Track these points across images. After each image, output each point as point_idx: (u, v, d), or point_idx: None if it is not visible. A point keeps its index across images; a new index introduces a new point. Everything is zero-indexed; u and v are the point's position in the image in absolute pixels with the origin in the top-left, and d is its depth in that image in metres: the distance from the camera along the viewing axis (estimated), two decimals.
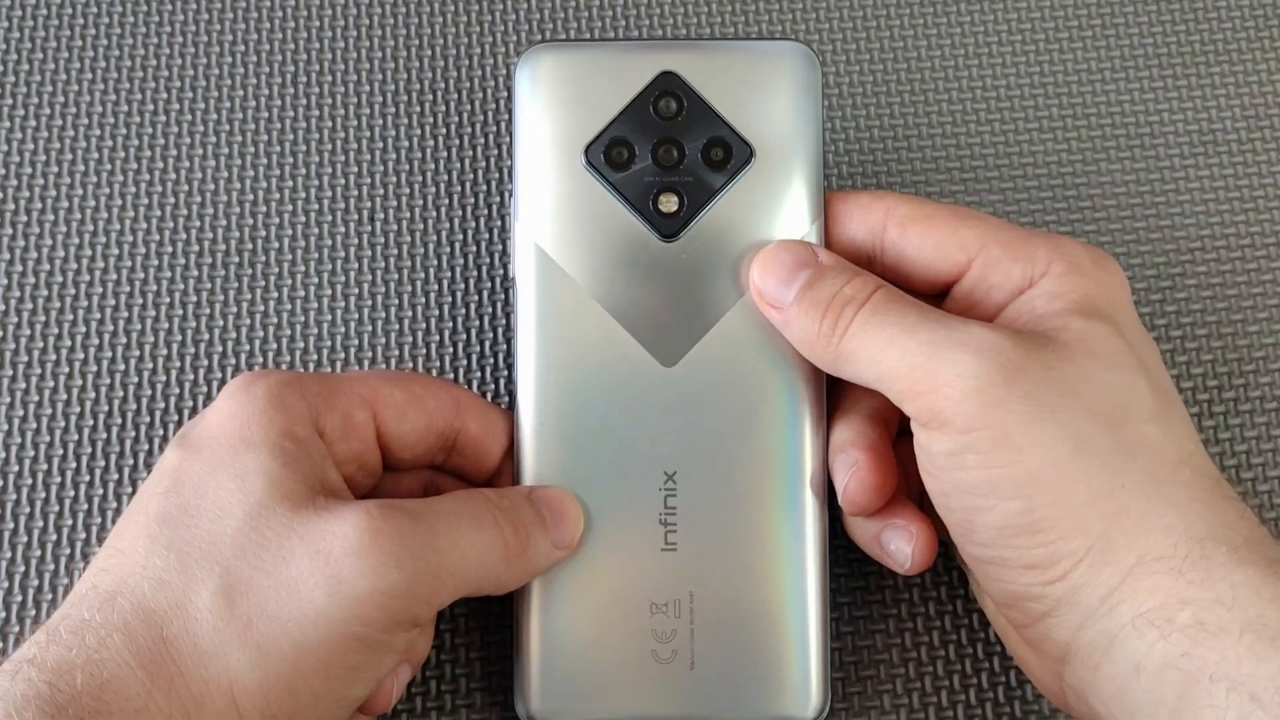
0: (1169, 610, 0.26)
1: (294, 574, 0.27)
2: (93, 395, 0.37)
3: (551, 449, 0.32)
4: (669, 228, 0.33)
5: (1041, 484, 0.27)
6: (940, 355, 0.28)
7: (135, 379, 0.38)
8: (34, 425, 0.37)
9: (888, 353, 0.29)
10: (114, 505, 0.36)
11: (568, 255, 0.33)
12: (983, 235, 0.31)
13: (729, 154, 0.33)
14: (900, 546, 0.31)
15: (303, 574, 0.27)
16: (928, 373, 0.28)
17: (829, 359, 0.31)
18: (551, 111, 0.33)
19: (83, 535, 0.36)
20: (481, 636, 0.35)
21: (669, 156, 0.33)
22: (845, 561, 0.35)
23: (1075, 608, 0.27)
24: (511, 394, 0.33)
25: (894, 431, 0.33)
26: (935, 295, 0.33)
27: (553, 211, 0.33)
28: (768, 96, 0.33)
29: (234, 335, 0.38)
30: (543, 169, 0.33)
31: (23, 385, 0.37)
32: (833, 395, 0.33)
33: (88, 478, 0.36)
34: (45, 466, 0.37)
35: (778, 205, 0.33)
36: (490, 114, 0.41)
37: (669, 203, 0.33)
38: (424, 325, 0.38)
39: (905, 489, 0.32)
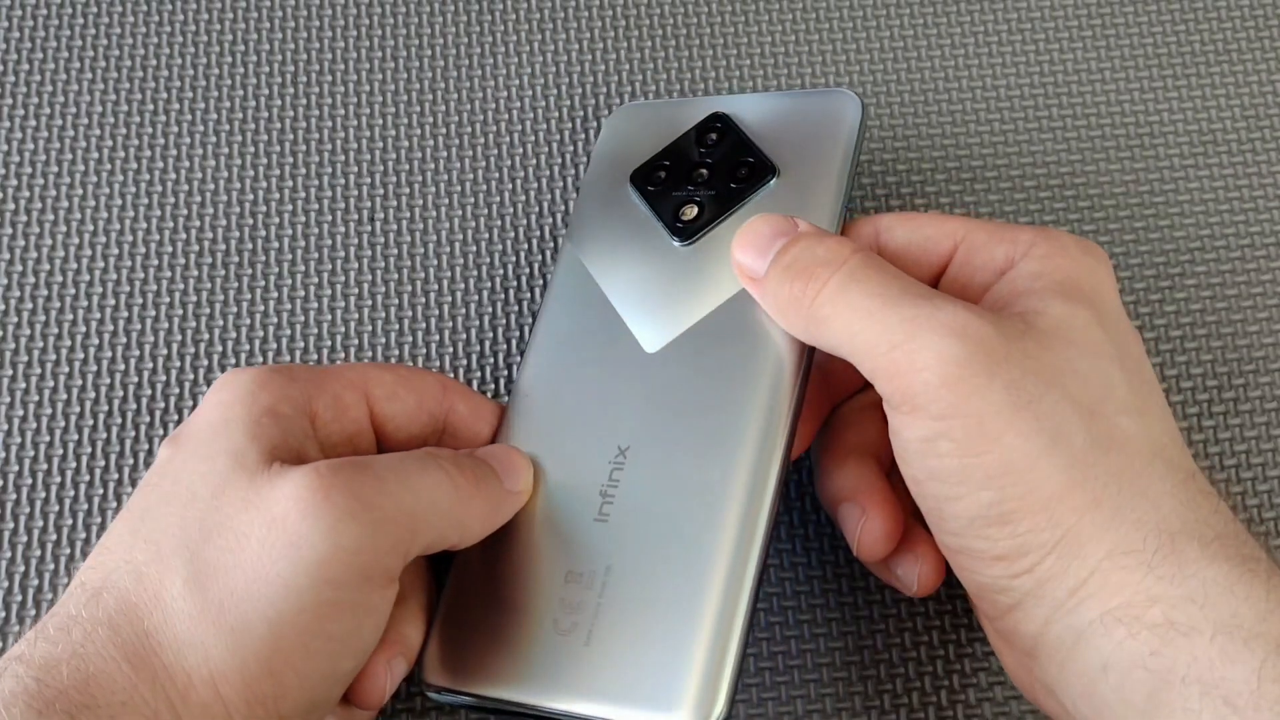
0: (1137, 608, 0.25)
1: (255, 548, 0.27)
2: (93, 395, 0.37)
3: (522, 415, 0.34)
4: (686, 232, 0.34)
5: (1015, 475, 0.27)
6: (921, 336, 0.27)
7: (135, 379, 0.38)
8: (34, 425, 0.37)
9: (867, 325, 0.28)
10: (114, 505, 0.36)
11: (595, 257, 0.35)
12: (968, 224, 0.32)
13: (752, 172, 0.35)
14: (907, 570, 0.31)
15: (264, 547, 0.27)
16: (906, 353, 0.27)
17: (803, 325, 0.29)
18: (618, 150, 0.37)
19: (83, 535, 0.36)
20: None
21: (699, 174, 0.35)
22: (845, 562, 0.35)
23: (1042, 601, 0.27)
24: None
25: (888, 464, 0.32)
26: None
27: (595, 224, 0.36)
28: (804, 130, 0.35)
29: (234, 335, 0.38)
30: (597, 192, 0.37)
31: (23, 385, 0.37)
32: (826, 432, 0.34)
33: (88, 478, 0.36)
34: (45, 466, 0.37)
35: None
36: (490, 114, 0.41)
37: (689, 212, 0.35)
38: (424, 325, 0.38)
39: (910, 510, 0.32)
